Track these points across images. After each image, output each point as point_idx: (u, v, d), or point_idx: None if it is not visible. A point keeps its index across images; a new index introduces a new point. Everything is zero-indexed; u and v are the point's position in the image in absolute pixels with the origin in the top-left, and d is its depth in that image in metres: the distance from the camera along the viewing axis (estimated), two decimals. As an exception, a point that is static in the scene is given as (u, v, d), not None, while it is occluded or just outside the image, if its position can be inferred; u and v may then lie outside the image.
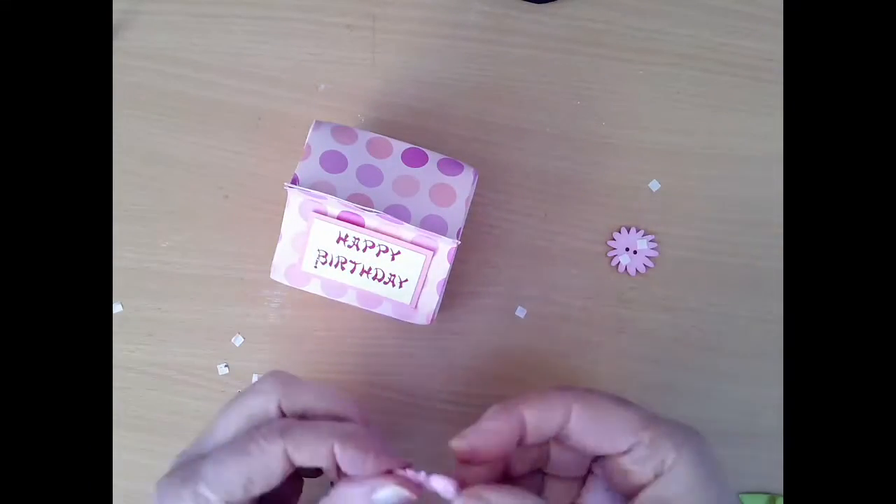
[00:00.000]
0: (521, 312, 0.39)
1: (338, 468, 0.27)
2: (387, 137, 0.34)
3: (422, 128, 0.40)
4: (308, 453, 0.26)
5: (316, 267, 0.32)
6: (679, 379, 0.39)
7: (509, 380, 0.39)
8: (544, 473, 0.30)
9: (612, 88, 0.41)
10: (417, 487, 0.26)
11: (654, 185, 0.40)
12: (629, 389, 0.39)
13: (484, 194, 0.40)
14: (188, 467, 0.27)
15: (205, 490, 0.26)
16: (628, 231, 0.40)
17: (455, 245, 0.31)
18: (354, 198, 0.32)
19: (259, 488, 0.26)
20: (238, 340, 0.39)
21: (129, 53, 0.41)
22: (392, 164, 0.33)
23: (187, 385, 0.39)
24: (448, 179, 0.33)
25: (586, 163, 0.40)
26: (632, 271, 0.39)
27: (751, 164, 0.41)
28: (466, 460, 0.27)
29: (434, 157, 0.34)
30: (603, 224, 0.40)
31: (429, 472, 0.26)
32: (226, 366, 0.39)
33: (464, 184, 0.33)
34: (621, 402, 0.27)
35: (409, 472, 0.26)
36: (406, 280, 0.32)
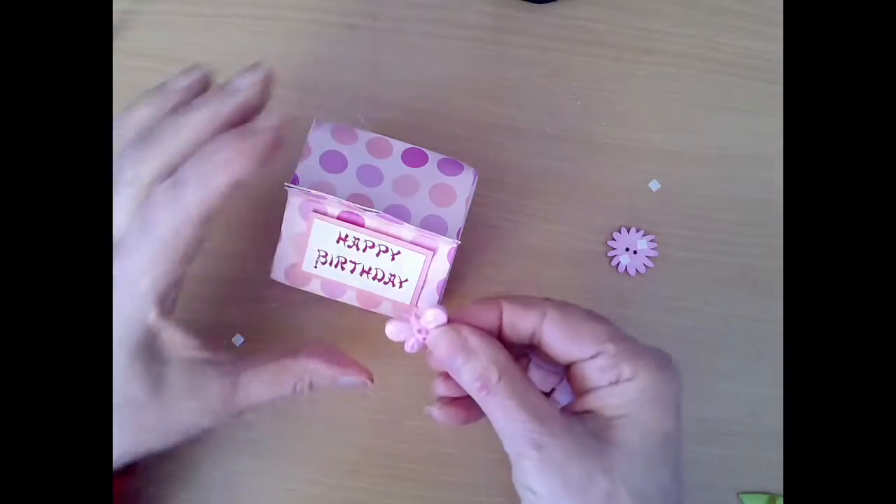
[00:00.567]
0: (521, 312, 0.39)
1: None
2: (387, 137, 0.34)
3: (422, 128, 0.40)
4: (210, 200, 0.27)
5: (316, 267, 0.32)
6: (679, 379, 0.39)
7: (509, 380, 0.39)
8: None
9: (612, 88, 0.41)
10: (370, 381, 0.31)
11: (654, 185, 0.40)
12: (629, 389, 0.39)
13: (484, 194, 0.40)
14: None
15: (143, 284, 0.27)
16: (628, 231, 0.40)
17: (455, 245, 0.31)
18: (354, 198, 0.32)
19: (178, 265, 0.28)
20: (238, 340, 0.39)
21: (129, 53, 0.41)
22: (392, 164, 0.33)
23: (187, 385, 0.39)
24: (448, 179, 0.33)
25: (586, 163, 0.40)
26: (632, 271, 0.39)
27: (751, 164, 0.41)
28: None
29: (434, 157, 0.34)
30: (603, 224, 0.40)
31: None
32: (226, 366, 0.39)
33: (464, 184, 0.33)
34: (596, 315, 0.29)
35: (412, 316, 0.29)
36: (406, 280, 0.32)
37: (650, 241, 0.40)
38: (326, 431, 0.37)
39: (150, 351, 0.28)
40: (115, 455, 0.28)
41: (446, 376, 0.30)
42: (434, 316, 0.29)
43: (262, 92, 0.29)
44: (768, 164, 0.41)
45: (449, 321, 0.29)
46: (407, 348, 0.30)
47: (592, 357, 0.28)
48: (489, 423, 0.32)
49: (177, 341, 0.28)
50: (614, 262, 0.39)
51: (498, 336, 0.30)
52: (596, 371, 0.28)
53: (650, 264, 0.39)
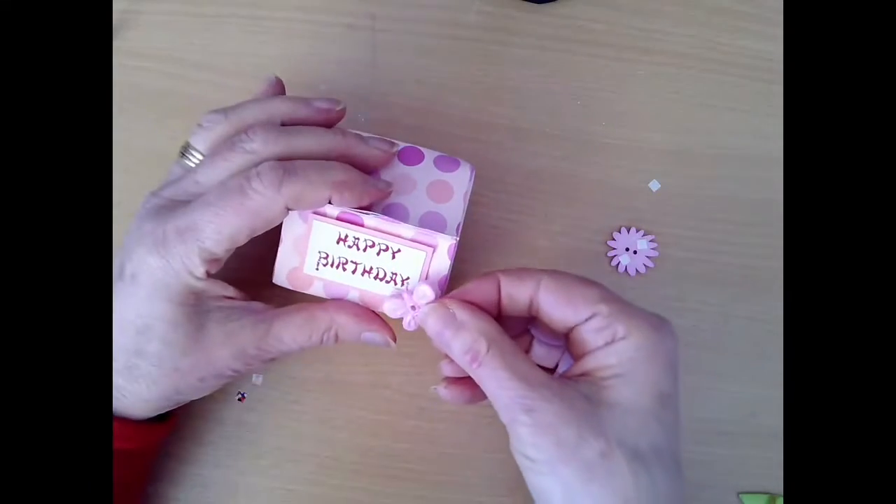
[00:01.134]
0: (521, 312, 0.39)
1: None
2: (382, 138, 0.34)
3: (421, 128, 0.40)
4: (306, 204, 0.29)
5: (318, 269, 0.32)
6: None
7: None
8: None
9: (612, 88, 0.41)
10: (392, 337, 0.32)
11: (654, 185, 0.40)
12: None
13: (484, 194, 0.40)
14: (177, 215, 0.29)
15: (209, 244, 0.28)
16: (628, 231, 0.40)
17: (454, 241, 0.31)
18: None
19: (254, 235, 0.29)
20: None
21: (129, 53, 0.41)
22: (389, 164, 0.33)
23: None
24: (445, 176, 0.33)
25: (586, 163, 0.40)
26: (632, 271, 0.39)
27: (751, 164, 0.41)
28: None
29: (430, 154, 0.34)
30: (603, 224, 0.40)
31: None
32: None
33: (461, 180, 0.33)
34: (589, 280, 0.30)
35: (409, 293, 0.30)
36: (408, 278, 0.32)
37: (650, 241, 0.40)
38: (326, 431, 0.38)
39: (194, 301, 0.30)
40: (153, 400, 0.30)
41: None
42: (424, 292, 0.30)
43: (385, 160, 0.33)
44: (768, 164, 0.41)
45: (441, 298, 0.30)
46: (405, 325, 0.31)
47: (587, 320, 0.28)
48: (489, 422, 0.32)
49: (217, 292, 0.31)
50: (614, 262, 0.39)
51: (497, 310, 0.30)
52: (591, 333, 0.28)
53: (650, 264, 0.39)
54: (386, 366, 0.38)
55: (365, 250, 0.31)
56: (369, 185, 0.31)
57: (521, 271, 0.30)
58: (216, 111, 0.32)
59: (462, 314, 0.29)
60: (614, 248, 0.39)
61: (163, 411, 0.32)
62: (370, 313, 0.32)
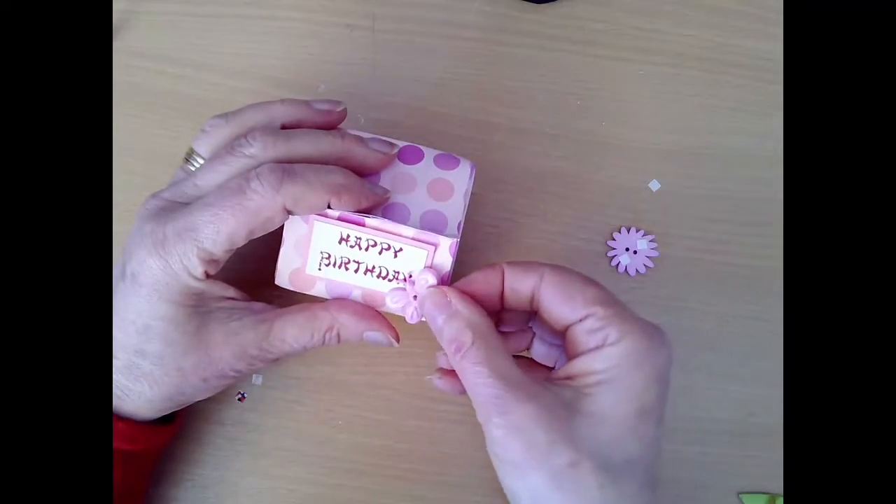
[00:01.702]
0: (521, 312, 0.39)
1: None
2: (382, 138, 0.34)
3: (421, 128, 0.40)
4: (305, 207, 0.29)
5: (320, 269, 0.32)
6: (678, 378, 0.39)
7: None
8: None
9: (612, 88, 0.41)
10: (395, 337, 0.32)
11: (654, 185, 0.40)
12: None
13: (484, 194, 0.40)
14: (176, 217, 0.29)
15: (207, 244, 0.28)
16: (628, 231, 0.40)
17: (456, 240, 0.31)
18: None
19: (252, 237, 0.29)
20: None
21: (129, 53, 0.41)
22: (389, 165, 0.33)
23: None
24: (445, 174, 0.33)
25: (586, 163, 0.40)
26: (632, 271, 0.39)
27: (751, 164, 0.41)
28: None
29: (430, 153, 0.34)
30: (603, 224, 0.40)
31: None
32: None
33: (461, 178, 0.33)
34: (592, 280, 0.30)
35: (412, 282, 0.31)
36: (410, 276, 0.32)
37: (650, 241, 0.40)
38: (326, 431, 0.38)
39: (195, 302, 0.30)
40: (156, 400, 0.30)
41: None
42: (426, 278, 0.31)
43: (385, 163, 0.33)
44: (768, 164, 0.41)
45: (441, 285, 0.30)
46: (407, 317, 0.31)
47: (582, 319, 0.28)
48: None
49: (217, 293, 0.31)
50: (614, 262, 0.40)
51: (500, 301, 0.30)
52: (584, 334, 0.28)
53: (650, 264, 0.39)
54: (386, 366, 0.38)
55: (367, 250, 0.31)
56: (367, 189, 0.31)
57: (527, 263, 0.30)
58: (219, 116, 0.32)
59: (457, 303, 0.29)
60: (614, 248, 0.40)
61: (167, 412, 0.32)
62: (373, 312, 0.32)
